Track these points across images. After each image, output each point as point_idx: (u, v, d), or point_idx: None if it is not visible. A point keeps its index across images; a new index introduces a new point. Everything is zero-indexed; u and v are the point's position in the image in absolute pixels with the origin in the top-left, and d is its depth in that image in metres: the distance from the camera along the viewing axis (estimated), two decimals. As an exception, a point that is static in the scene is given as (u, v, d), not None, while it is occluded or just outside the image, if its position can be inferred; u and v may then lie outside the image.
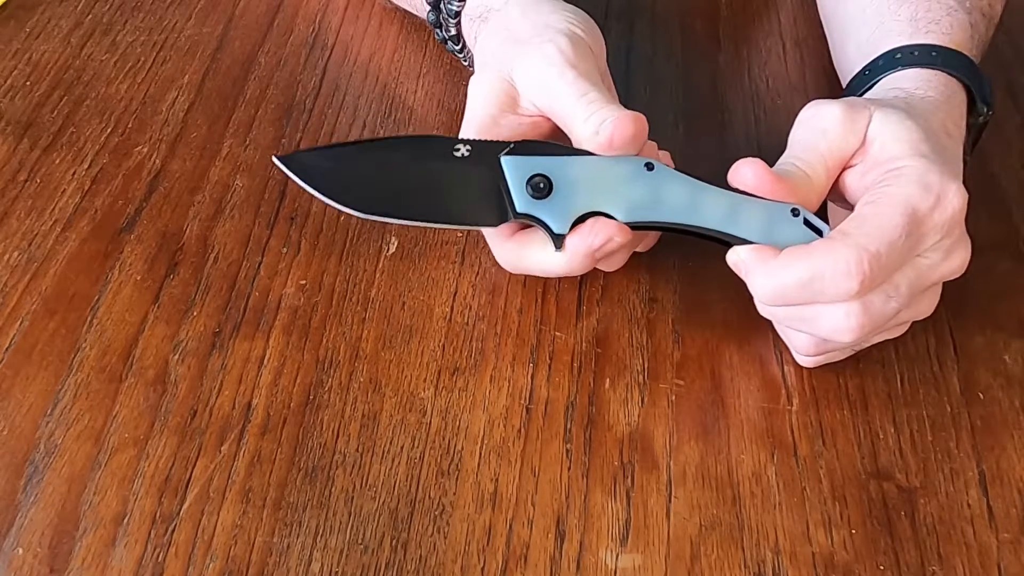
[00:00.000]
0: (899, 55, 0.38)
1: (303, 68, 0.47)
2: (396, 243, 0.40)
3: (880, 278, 0.31)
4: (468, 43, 0.43)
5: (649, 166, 0.34)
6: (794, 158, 0.35)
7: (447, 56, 0.48)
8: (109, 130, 0.44)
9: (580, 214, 0.34)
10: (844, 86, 0.42)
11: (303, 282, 0.39)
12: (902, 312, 0.33)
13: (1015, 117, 0.47)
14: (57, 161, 0.42)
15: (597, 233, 0.34)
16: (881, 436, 0.35)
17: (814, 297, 0.32)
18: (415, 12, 0.48)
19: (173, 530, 0.31)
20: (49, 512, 0.32)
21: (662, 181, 0.34)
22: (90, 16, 0.49)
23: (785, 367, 0.37)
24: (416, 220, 0.36)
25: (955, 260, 0.33)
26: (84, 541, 0.31)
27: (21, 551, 0.31)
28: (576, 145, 0.35)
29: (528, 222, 0.35)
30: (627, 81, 0.48)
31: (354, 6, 0.51)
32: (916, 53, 0.38)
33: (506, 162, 0.35)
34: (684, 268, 0.40)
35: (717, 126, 0.46)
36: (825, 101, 0.35)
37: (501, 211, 0.35)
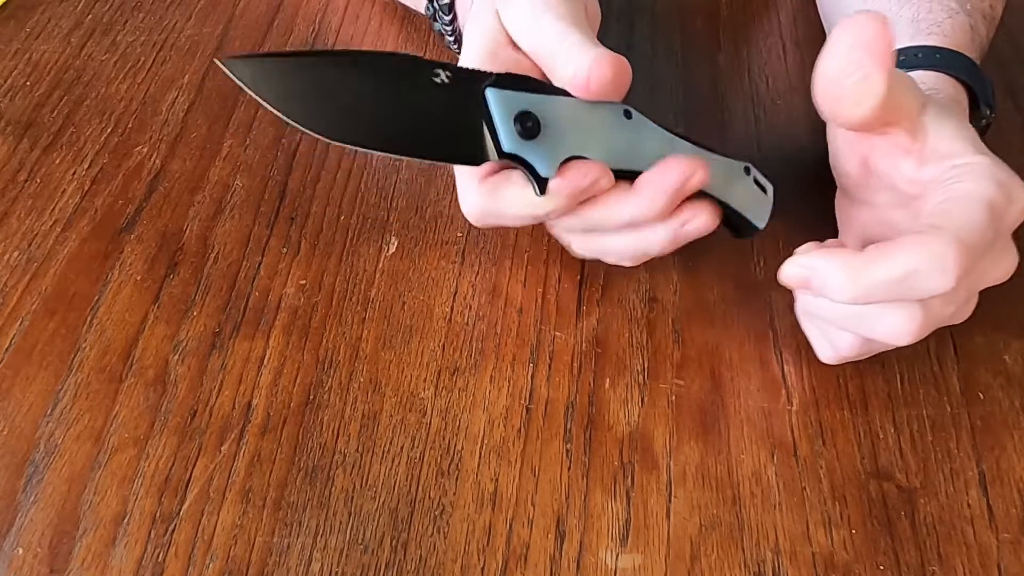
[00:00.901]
0: (903, 56, 0.38)
1: (303, 68, 0.47)
2: (396, 243, 0.40)
3: (970, 270, 0.29)
4: (462, 18, 0.43)
5: (627, 114, 0.34)
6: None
7: (447, 56, 0.48)
8: (109, 130, 0.44)
9: (565, 157, 0.33)
10: None
11: (303, 282, 0.39)
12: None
13: (1015, 117, 0.47)
14: (57, 161, 0.42)
15: (585, 175, 0.32)
16: (881, 436, 0.35)
17: (902, 294, 0.30)
18: (412, 6, 0.48)
19: (173, 530, 0.31)
20: (49, 512, 0.32)
21: (639, 130, 0.34)
22: (90, 16, 0.49)
23: (785, 367, 0.37)
24: (388, 151, 0.32)
25: (1004, 264, 0.32)
26: (84, 541, 0.31)
27: (21, 551, 0.31)
28: (559, 81, 0.33)
29: (510, 163, 0.33)
30: (627, 81, 0.48)
31: (354, 6, 0.51)
32: (920, 55, 0.38)
33: (491, 95, 0.32)
34: (684, 268, 0.40)
35: (717, 126, 0.46)
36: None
37: (481, 148, 0.32)
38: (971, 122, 0.37)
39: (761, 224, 0.37)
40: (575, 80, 0.32)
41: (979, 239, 0.29)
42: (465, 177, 0.34)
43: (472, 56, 0.35)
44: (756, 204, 0.37)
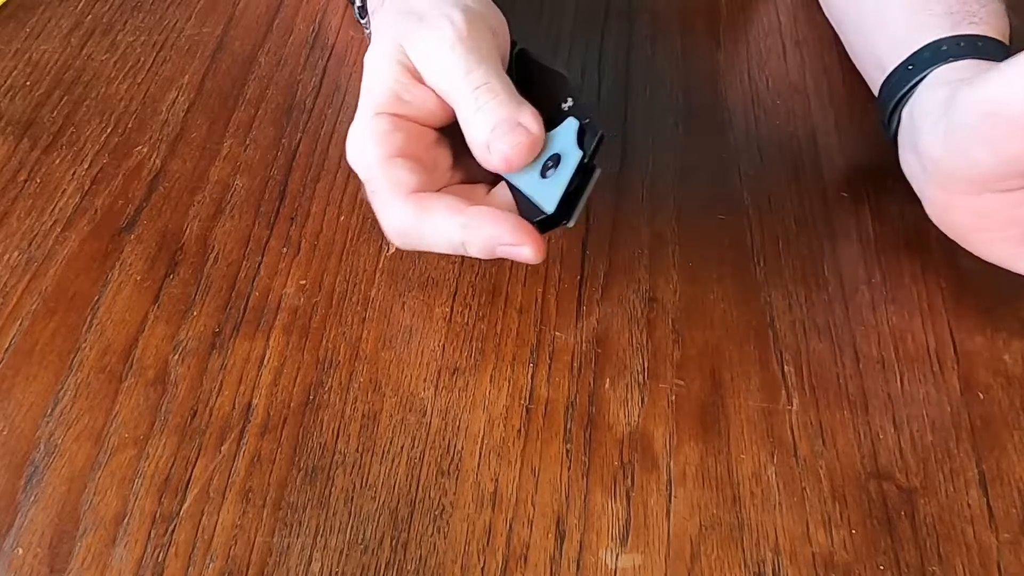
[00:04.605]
0: (944, 47, 0.38)
1: (303, 68, 0.47)
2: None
3: None
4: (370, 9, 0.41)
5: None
6: None
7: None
8: (109, 130, 0.44)
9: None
10: (879, 81, 0.41)
11: (303, 282, 0.39)
12: None
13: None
14: (57, 161, 0.42)
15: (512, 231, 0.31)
16: (881, 436, 0.35)
17: None
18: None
19: (173, 530, 0.31)
20: (49, 512, 0.32)
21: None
22: (90, 16, 0.49)
23: (785, 367, 0.37)
24: None
25: None
26: (84, 541, 0.31)
27: (21, 551, 0.31)
28: (467, 141, 0.32)
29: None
30: (627, 81, 0.48)
31: (354, 6, 0.51)
32: (962, 44, 0.38)
33: None
34: (684, 268, 0.40)
35: (717, 126, 0.46)
36: None
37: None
38: None
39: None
40: (490, 157, 0.32)
41: None
42: (389, 195, 0.32)
43: (373, 100, 0.33)
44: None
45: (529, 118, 0.32)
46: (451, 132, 0.34)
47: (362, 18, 0.42)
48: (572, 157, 0.32)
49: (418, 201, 0.32)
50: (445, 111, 0.34)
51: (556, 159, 0.32)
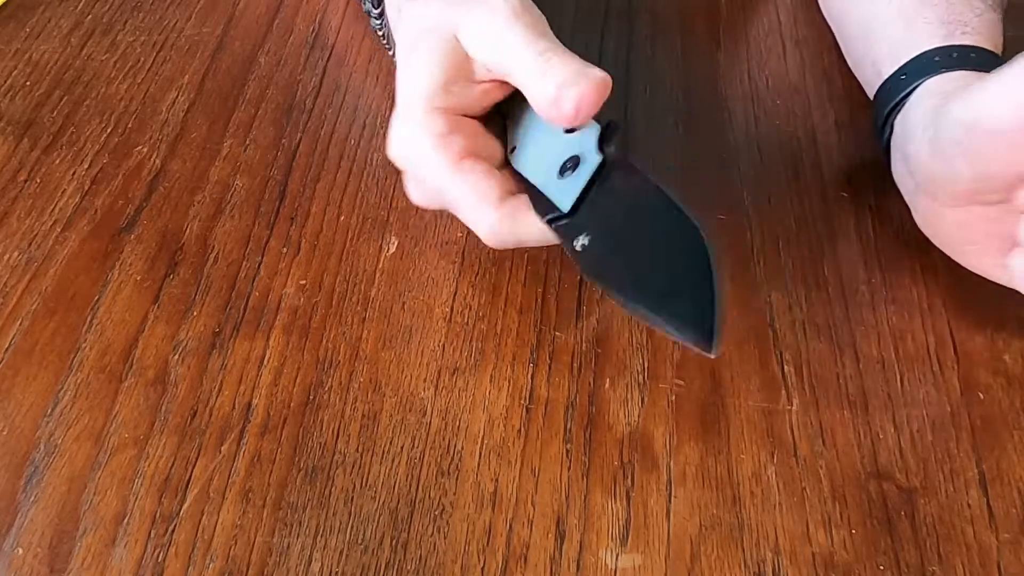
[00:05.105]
0: (937, 58, 0.38)
1: (303, 68, 0.47)
2: (396, 243, 0.40)
3: None
4: (391, 17, 0.40)
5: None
6: None
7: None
8: (109, 130, 0.44)
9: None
10: (875, 87, 0.42)
11: (303, 282, 0.39)
12: None
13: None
14: (57, 161, 0.42)
15: None
16: (881, 436, 0.35)
17: None
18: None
19: (173, 530, 0.31)
20: (49, 512, 0.32)
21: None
22: (90, 16, 0.49)
23: (785, 367, 0.37)
24: None
25: None
26: (84, 541, 0.31)
27: (21, 551, 0.31)
28: (533, 105, 0.32)
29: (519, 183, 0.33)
30: (627, 81, 0.48)
31: (354, 6, 0.51)
32: (955, 55, 0.38)
33: None
34: (684, 268, 0.40)
35: (717, 126, 0.46)
36: None
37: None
38: None
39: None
40: (558, 110, 0.31)
41: None
42: (478, 202, 0.32)
43: (420, 94, 0.33)
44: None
45: (598, 69, 0.31)
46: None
47: (378, 19, 0.42)
48: (592, 160, 0.32)
49: (509, 208, 0.32)
50: (483, 102, 0.34)
51: (575, 161, 0.32)
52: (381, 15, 0.42)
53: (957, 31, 0.39)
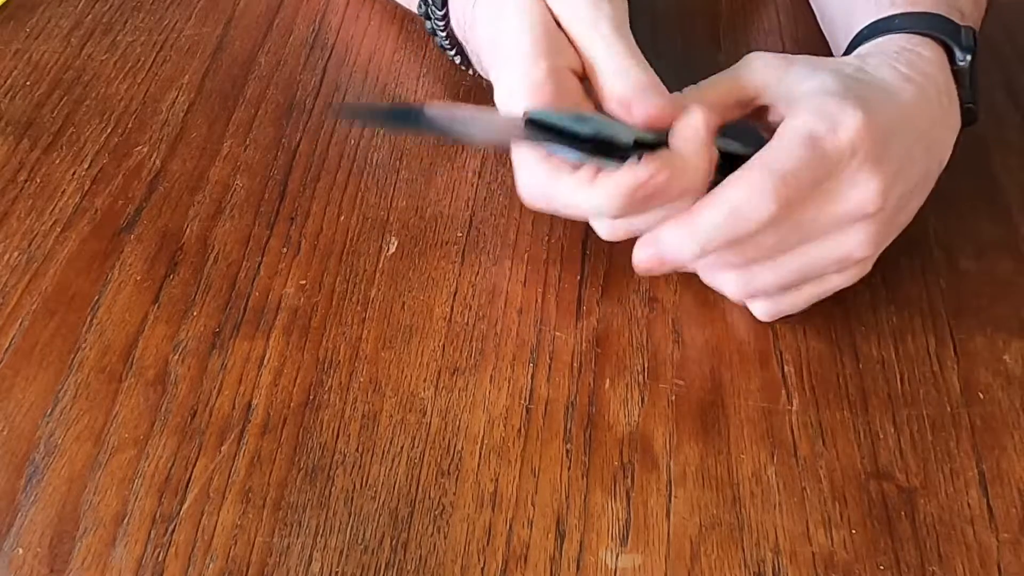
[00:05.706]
0: (865, 31, 0.39)
1: (303, 68, 0.47)
2: (396, 243, 0.40)
3: (796, 198, 0.31)
4: (462, 19, 0.41)
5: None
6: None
7: (447, 57, 0.48)
8: (109, 130, 0.44)
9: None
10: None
11: (303, 282, 0.39)
12: (817, 251, 0.33)
13: (1015, 117, 0.47)
14: (57, 161, 0.42)
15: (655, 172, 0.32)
16: (881, 436, 0.35)
17: (737, 231, 0.32)
18: (405, 4, 0.47)
19: (173, 530, 0.31)
20: (49, 512, 0.32)
21: None
22: (90, 16, 0.49)
23: (785, 367, 0.37)
24: None
25: (860, 188, 0.32)
26: (84, 541, 0.31)
27: (21, 551, 0.31)
28: (597, 90, 0.34)
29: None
30: (627, 81, 0.48)
31: (354, 6, 0.51)
32: (881, 25, 0.38)
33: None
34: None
35: (717, 126, 0.46)
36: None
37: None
38: (952, 68, 0.37)
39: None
40: (632, 115, 0.33)
41: (796, 165, 0.31)
42: (527, 153, 0.34)
43: (531, 39, 0.34)
44: None
45: (664, 90, 0.34)
46: None
47: (441, 20, 0.42)
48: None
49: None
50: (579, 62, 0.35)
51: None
52: (445, 16, 0.42)
53: (886, 4, 0.39)
